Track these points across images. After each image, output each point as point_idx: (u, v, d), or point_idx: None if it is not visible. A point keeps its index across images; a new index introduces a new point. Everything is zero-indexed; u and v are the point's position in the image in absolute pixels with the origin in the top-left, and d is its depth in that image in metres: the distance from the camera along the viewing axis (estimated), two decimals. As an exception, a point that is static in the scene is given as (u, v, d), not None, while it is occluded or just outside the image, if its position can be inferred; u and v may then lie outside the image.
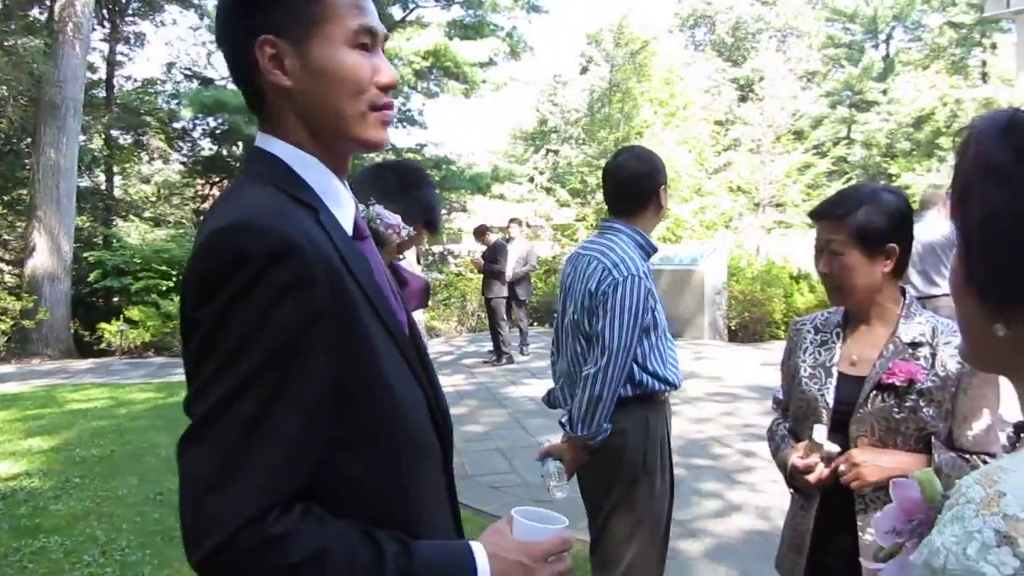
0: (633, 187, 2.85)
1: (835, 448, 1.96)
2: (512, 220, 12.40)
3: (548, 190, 24.33)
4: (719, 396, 8.57)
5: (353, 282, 1.09)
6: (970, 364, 0.94)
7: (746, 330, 12.94)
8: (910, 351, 1.99)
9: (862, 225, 1.98)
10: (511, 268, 11.33)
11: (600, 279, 2.73)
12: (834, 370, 2.07)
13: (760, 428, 7.06)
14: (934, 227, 6.90)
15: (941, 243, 6.82)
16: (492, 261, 11.15)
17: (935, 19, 32.11)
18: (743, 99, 33.58)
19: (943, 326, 2.01)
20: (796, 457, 2.04)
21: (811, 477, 1.99)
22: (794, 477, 2.07)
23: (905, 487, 0.93)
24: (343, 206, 1.20)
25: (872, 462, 1.91)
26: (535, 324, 15.99)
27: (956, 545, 0.72)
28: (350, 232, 1.20)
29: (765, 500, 5.19)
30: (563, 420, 2.82)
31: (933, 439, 1.93)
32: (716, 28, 39.20)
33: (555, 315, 3.06)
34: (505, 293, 11.27)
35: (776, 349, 11.83)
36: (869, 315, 2.08)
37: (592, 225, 21.35)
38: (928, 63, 30.62)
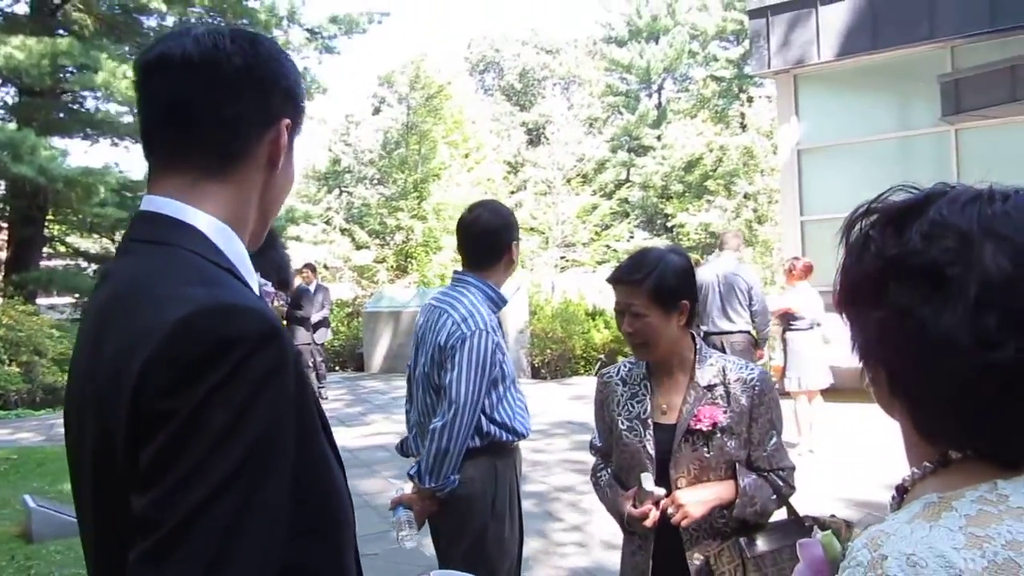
0: (486, 241, 2.90)
1: (661, 491, 2.18)
2: (306, 265, 12.15)
3: (345, 231, 24.03)
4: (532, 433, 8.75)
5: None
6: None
7: (549, 367, 13.36)
8: (708, 394, 2.23)
9: (657, 288, 2.21)
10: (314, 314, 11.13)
11: (450, 332, 2.77)
12: (649, 421, 2.28)
13: (573, 463, 7.31)
14: (731, 266, 7.46)
15: (738, 281, 7.37)
16: (296, 307, 10.84)
17: (700, 72, 35.13)
18: (532, 142, 34.99)
19: (731, 364, 2.29)
20: (630, 507, 2.23)
21: (647, 523, 2.19)
22: (631, 524, 2.25)
23: (810, 547, 1.01)
24: (253, 279, 1.18)
25: (694, 500, 2.16)
26: (337, 369, 15.66)
27: None
28: None
29: (584, 536, 5.36)
30: (411, 471, 2.83)
31: (737, 465, 2.21)
32: (504, 74, 40.66)
33: (408, 365, 3.06)
34: (309, 340, 11.00)
35: (580, 384, 12.36)
36: (671, 364, 2.31)
37: (392, 267, 21.29)
38: (695, 112, 33.31)
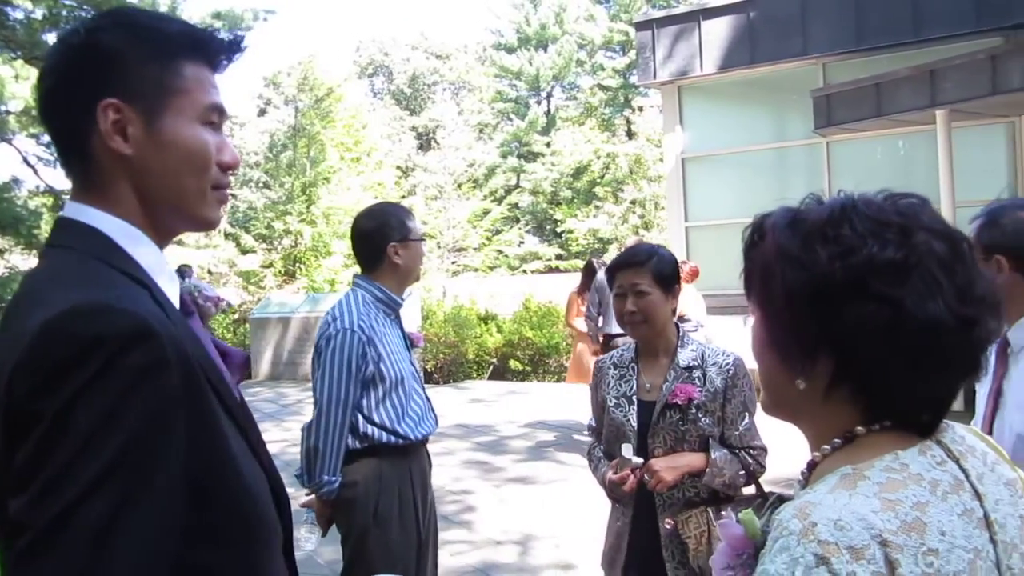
0: (362, 244, 2.94)
1: (639, 460, 2.41)
2: (183, 266, 11.77)
3: (229, 235, 23.34)
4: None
5: (196, 364, 1.04)
6: (769, 413, 1.10)
7: (441, 371, 13.36)
8: (687, 374, 2.49)
9: (659, 269, 2.50)
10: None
11: (320, 333, 2.82)
12: (634, 398, 2.54)
13: (469, 464, 7.35)
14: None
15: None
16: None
17: (587, 81, 35.88)
18: (422, 147, 34.91)
19: (709, 350, 2.56)
20: (611, 474, 2.46)
21: (626, 487, 2.41)
22: (612, 490, 2.49)
23: (731, 528, 1.08)
24: (172, 282, 1.15)
25: (666, 466, 2.39)
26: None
27: (786, 570, 0.85)
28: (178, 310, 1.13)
29: (476, 536, 5.41)
30: (296, 473, 2.83)
31: (710, 440, 2.46)
32: (394, 78, 40.41)
33: None
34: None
35: (474, 388, 12.40)
36: (657, 348, 2.56)
37: (280, 272, 20.82)
38: (583, 120, 34.02)
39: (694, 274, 7.96)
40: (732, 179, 10.97)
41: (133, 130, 1.09)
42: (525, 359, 13.53)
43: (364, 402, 2.79)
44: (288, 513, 1.20)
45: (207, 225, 1.17)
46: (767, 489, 2.47)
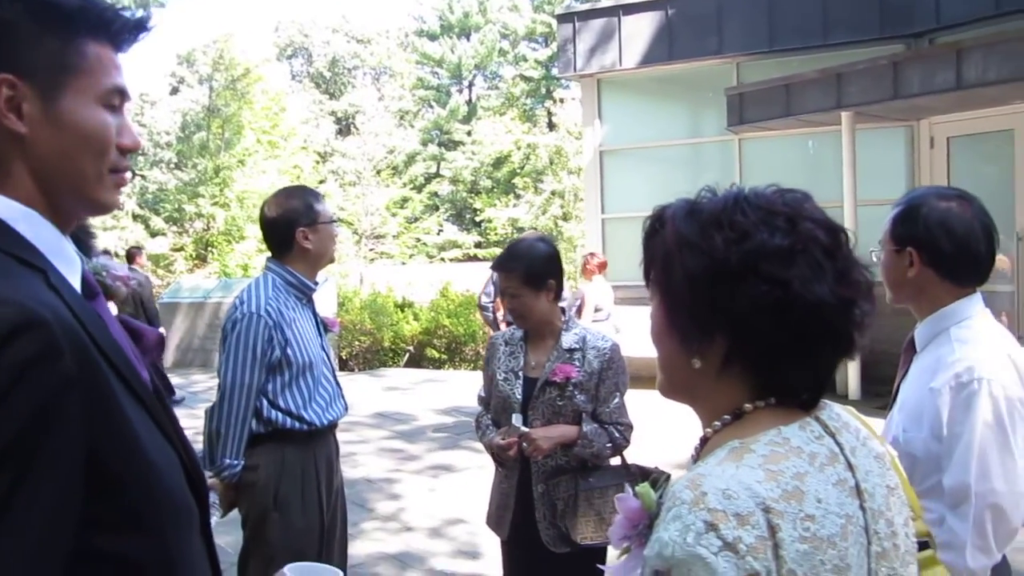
0: (271, 230, 2.93)
1: (526, 429, 2.66)
2: (104, 252, 11.37)
3: (138, 217, 22.60)
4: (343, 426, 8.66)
5: (95, 348, 1.01)
6: (666, 395, 1.18)
7: (357, 359, 13.25)
8: (568, 355, 2.73)
9: (527, 273, 2.70)
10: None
11: (226, 317, 2.84)
12: (520, 374, 2.79)
13: (386, 452, 7.33)
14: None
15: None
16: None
17: (509, 71, 35.94)
18: (341, 132, 34.42)
19: (591, 335, 2.81)
20: (498, 439, 2.71)
21: (511, 452, 2.66)
22: (498, 454, 2.73)
23: (627, 501, 1.15)
24: (71, 264, 1.11)
25: (543, 435, 2.63)
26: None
27: (679, 536, 0.93)
28: (79, 291, 1.11)
29: (395, 524, 5.42)
30: (200, 455, 2.80)
31: (584, 415, 2.70)
32: (313, 61, 39.68)
33: None
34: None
35: (390, 376, 12.33)
36: (543, 332, 2.81)
37: (191, 256, 20.28)
38: (505, 110, 34.09)
39: (603, 266, 8.21)
40: (648, 173, 11.19)
41: (29, 108, 1.05)
42: (442, 347, 13.52)
43: (270, 387, 2.79)
44: (204, 493, 1.19)
45: (104, 209, 1.14)
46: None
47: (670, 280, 1.08)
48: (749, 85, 9.58)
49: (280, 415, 2.79)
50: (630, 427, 2.79)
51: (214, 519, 2.85)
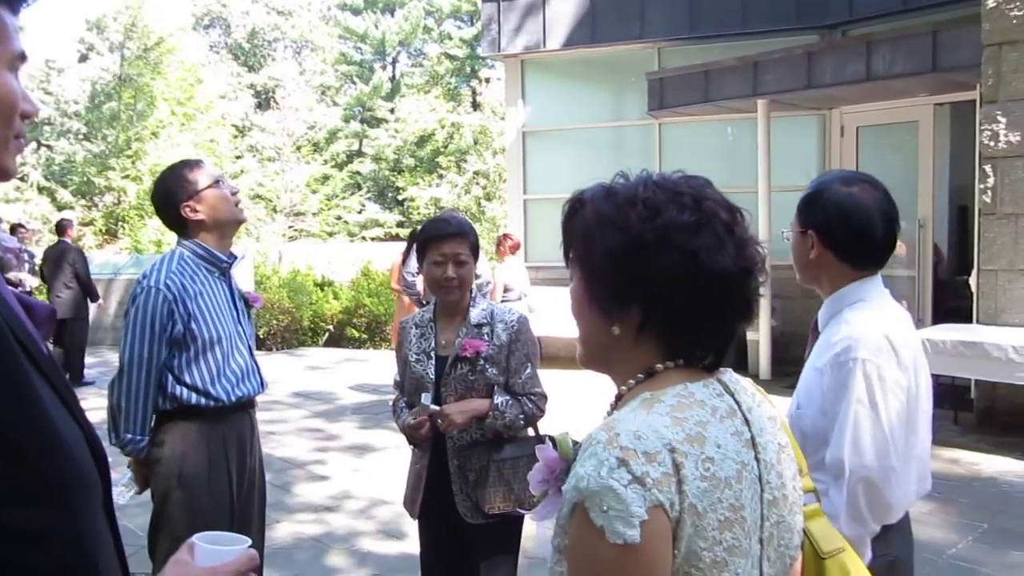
0: (163, 215, 2.90)
1: (435, 408, 2.71)
2: (18, 226, 10.87)
3: (44, 189, 21.64)
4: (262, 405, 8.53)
5: (2, 322, 0.99)
6: (586, 366, 1.27)
7: (275, 338, 13.03)
8: (476, 330, 2.81)
9: (474, 242, 2.85)
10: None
11: (131, 292, 2.82)
12: (432, 353, 2.84)
13: (308, 432, 7.26)
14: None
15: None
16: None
17: (434, 49, 35.58)
18: (260, 106, 33.57)
19: (497, 309, 2.90)
20: (410, 419, 2.74)
21: (423, 432, 2.71)
22: (411, 434, 2.78)
23: (546, 450, 1.29)
24: None
25: (456, 410, 2.69)
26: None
27: (594, 470, 1.04)
28: None
29: (316, 504, 5.39)
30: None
31: (495, 387, 2.77)
32: (232, 32, 38.52)
33: None
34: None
35: (310, 355, 12.18)
36: (456, 308, 2.85)
37: (101, 231, 19.57)
38: (429, 88, 33.71)
39: (516, 247, 8.31)
40: (570, 154, 11.28)
41: None
42: (362, 327, 13.40)
43: (175, 362, 2.75)
44: (106, 468, 1.18)
45: (6, 176, 1.11)
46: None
47: (591, 256, 1.18)
48: (670, 70, 9.73)
49: (186, 391, 2.75)
50: (544, 396, 2.87)
51: (127, 496, 2.82)
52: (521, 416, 2.78)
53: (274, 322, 13.01)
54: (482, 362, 2.76)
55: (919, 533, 4.75)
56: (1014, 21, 6.69)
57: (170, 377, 2.75)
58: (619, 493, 1.01)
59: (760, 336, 8.93)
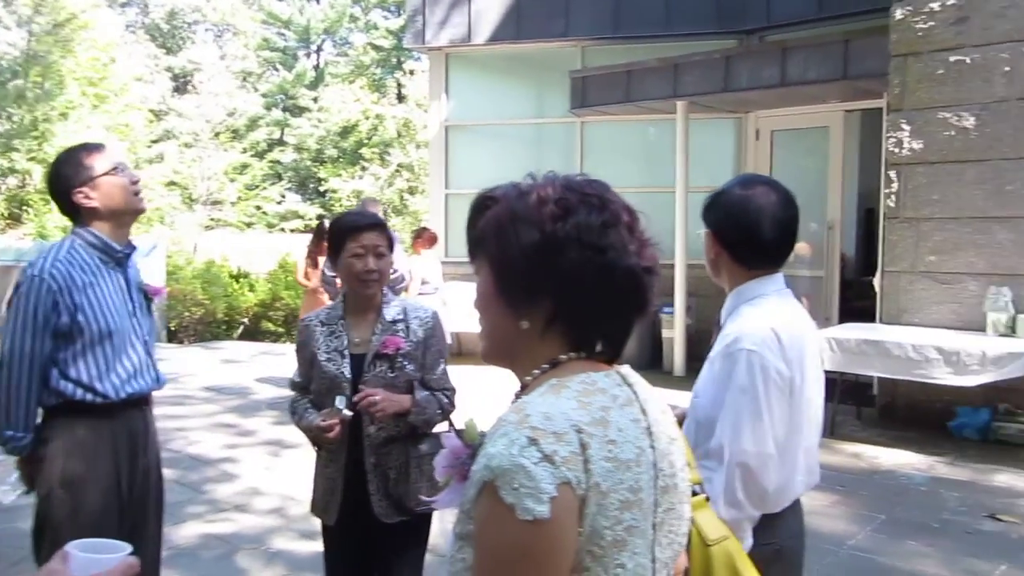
0: (57, 202, 2.77)
1: (349, 413, 2.63)
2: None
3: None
4: (173, 400, 8.30)
5: None
6: (489, 361, 1.31)
7: (188, 330, 12.69)
8: (392, 327, 2.77)
9: (389, 234, 2.82)
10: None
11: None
12: (346, 352, 2.76)
13: (221, 427, 7.08)
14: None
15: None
16: None
17: (360, 38, 35.10)
18: (178, 90, 32.60)
19: (410, 305, 2.88)
20: (319, 420, 2.65)
21: (331, 435, 2.62)
22: (317, 436, 2.70)
23: (451, 438, 1.34)
24: None
25: (386, 398, 2.64)
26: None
27: (505, 449, 1.08)
28: None
29: (225, 502, 5.26)
30: None
31: (415, 384, 2.76)
32: (149, 11, 37.26)
33: None
34: None
35: (225, 348, 11.89)
36: (368, 305, 2.80)
37: (3, 214, 18.71)
38: (353, 78, 33.26)
39: (432, 240, 8.32)
40: (492, 150, 11.29)
41: None
42: (279, 320, 13.17)
43: (60, 356, 2.61)
44: None
45: None
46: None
47: (504, 251, 1.22)
48: (592, 69, 9.82)
49: (71, 386, 2.62)
50: (454, 391, 2.90)
51: (12, 496, 2.69)
52: (439, 411, 2.79)
53: (187, 314, 12.69)
54: (401, 359, 2.73)
55: (821, 525, 4.95)
56: (919, 33, 6.97)
57: (55, 371, 2.61)
58: (530, 471, 1.05)
59: (675, 334, 9.11)
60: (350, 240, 2.73)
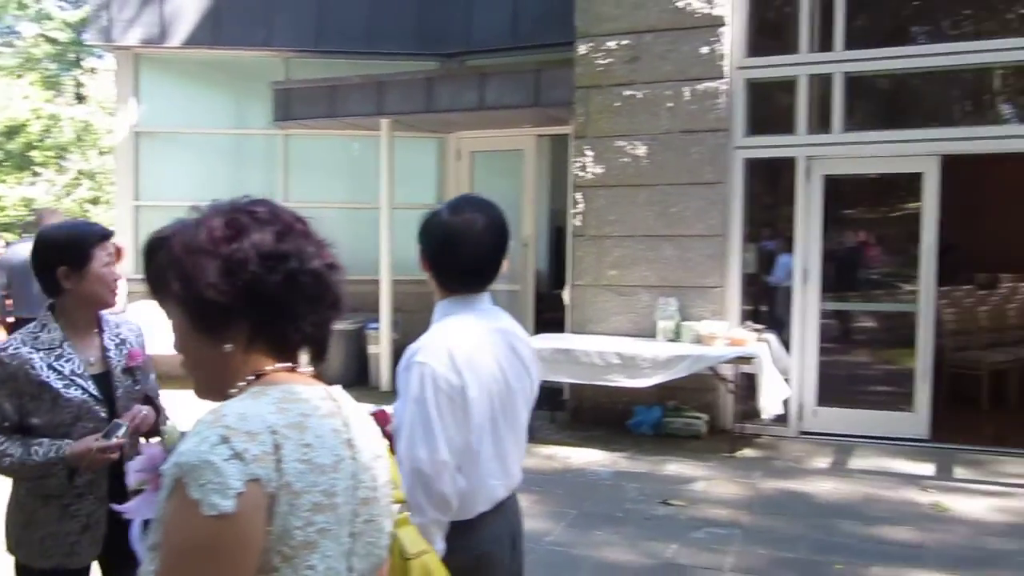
0: None
1: (125, 440, 2.44)
2: None
3: None
4: None
5: None
6: (204, 397, 1.29)
7: None
8: (119, 339, 2.67)
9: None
10: None
11: None
12: (87, 375, 2.53)
13: None
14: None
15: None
16: None
17: (31, 29, 31.48)
18: None
19: (119, 321, 2.76)
20: (97, 443, 2.39)
21: (107, 456, 2.40)
22: (87, 464, 2.40)
23: (151, 447, 1.40)
24: None
25: (151, 413, 2.59)
26: None
27: (195, 447, 1.09)
28: None
29: None
30: None
31: (147, 395, 2.71)
32: None
33: None
34: None
35: None
36: (92, 321, 2.63)
37: None
38: (23, 72, 29.76)
39: (118, 255, 7.74)
40: (189, 160, 10.65)
41: None
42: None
43: None
44: None
45: None
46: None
47: (188, 286, 1.21)
48: (296, 82, 9.66)
49: None
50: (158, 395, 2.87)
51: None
52: (167, 419, 2.74)
53: None
54: (138, 372, 2.69)
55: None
56: (599, 68, 7.70)
57: None
58: (218, 467, 1.07)
59: (381, 349, 9.20)
60: (98, 248, 2.58)
